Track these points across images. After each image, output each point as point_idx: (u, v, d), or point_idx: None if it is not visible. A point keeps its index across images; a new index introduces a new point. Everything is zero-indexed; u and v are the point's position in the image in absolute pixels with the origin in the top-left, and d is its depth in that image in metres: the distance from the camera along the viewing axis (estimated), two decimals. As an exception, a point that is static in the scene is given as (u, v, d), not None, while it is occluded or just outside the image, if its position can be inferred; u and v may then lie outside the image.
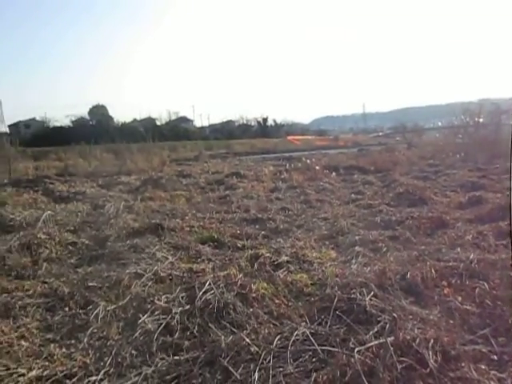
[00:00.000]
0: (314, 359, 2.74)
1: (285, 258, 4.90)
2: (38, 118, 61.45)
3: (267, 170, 16.18)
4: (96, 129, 48.08)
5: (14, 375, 2.64)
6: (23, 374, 2.65)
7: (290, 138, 54.60)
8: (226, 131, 71.58)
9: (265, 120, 75.56)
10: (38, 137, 48.88)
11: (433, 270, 3.93)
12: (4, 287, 4.16)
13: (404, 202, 8.16)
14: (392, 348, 2.54)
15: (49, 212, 6.70)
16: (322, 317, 3.31)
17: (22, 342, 3.05)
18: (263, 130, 72.52)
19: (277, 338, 2.98)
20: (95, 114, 58.41)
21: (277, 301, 3.76)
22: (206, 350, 2.99)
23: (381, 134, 62.61)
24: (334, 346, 2.81)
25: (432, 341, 2.61)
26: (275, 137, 60.54)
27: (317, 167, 14.86)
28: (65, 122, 58.49)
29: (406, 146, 26.30)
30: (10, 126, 56.32)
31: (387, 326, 2.87)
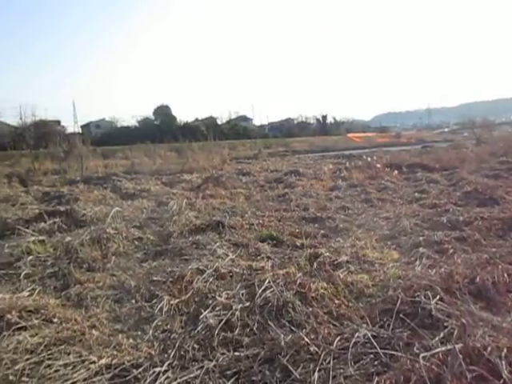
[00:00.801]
0: (375, 362, 2.68)
1: (345, 258, 4.82)
2: (107, 119, 64.80)
3: (326, 169, 15.97)
4: (160, 128, 49.92)
5: (86, 362, 2.80)
6: (94, 362, 2.81)
7: (350, 135, 53.63)
8: (285, 129, 71.57)
9: (324, 117, 74.72)
10: (107, 136, 51.58)
11: (505, 274, 3.70)
12: (77, 278, 4.44)
13: (473, 202, 7.73)
14: (461, 356, 2.42)
15: (117, 208, 7.03)
16: (384, 319, 3.22)
17: (93, 331, 3.22)
18: (322, 127, 71.74)
19: (337, 339, 2.95)
20: (159, 114, 60.56)
21: (336, 301, 3.71)
22: (265, 347, 3.02)
23: (446, 129, 59.87)
24: (397, 350, 2.72)
25: (505, 350, 2.46)
26: (335, 134, 59.73)
27: (378, 165, 14.44)
28: (131, 122, 61.26)
29: (474, 142, 24.92)
30: (82, 127, 59.96)
31: (455, 331, 2.74)
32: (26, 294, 4.03)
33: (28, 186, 15.29)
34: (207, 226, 6.47)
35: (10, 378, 2.59)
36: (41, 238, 5.99)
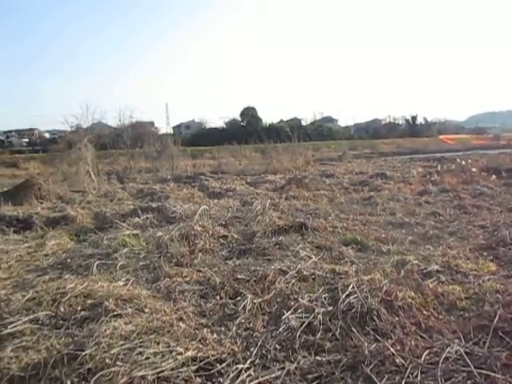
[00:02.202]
0: (468, 382, 2.50)
1: (435, 267, 4.56)
2: (196, 120, 67.60)
3: (415, 172, 15.27)
4: (246, 129, 51.01)
5: (174, 353, 2.93)
6: (181, 353, 2.93)
7: (442, 137, 50.81)
8: (372, 130, 69.52)
9: (414, 118, 71.32)
10: (196, 137, 53.83)
11: None
12: (167, 272, 4.67)
13: None
14: None
15: (204, 206, 7.29)
16: (479, 336, 3.00)
17: (180, 324, 3.37)
18: (412, 128, 68.56)
19: (425, 353, 2.80)
20: (246, 116, 61.87)
21: (425, 312, 3.52)
22: (348, 354, 2.95)
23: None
24: (494, 371, 2.52)
25: None
26: (425, 136, 56.84)
27: (473, 169, 13.49)
28: (219, 123, 63.30)
29: None
30: (173, 128, 63.17)
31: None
32: (121, 283, 4.33)
33: (124, 182, 16.46)
34: (290, 227, 6.48)
35: (107, 360, 2.79)
36: (135, 232, 6.42)
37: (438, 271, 4.49)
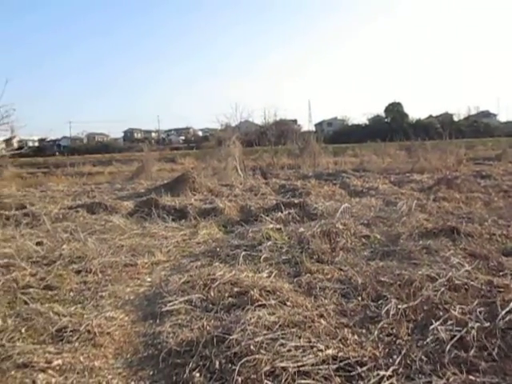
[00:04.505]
0: None
1: None
2: (339, 117, 67.05)
3: None
4: (390, 126, 48.92)
5: (314, 349, 2.95)
6: (321, 350, 2.94)
7: None
8: (541, 126, 60.70)
9: None
10: (338, 134, 53.50)
11: None
12: (308, 268, 4.74)
13: None
14: None
15: (346, 204, 7.21)
16: None
17: (321, 321, 3.38)
18: None
19: None
20: (390, 112, 59.36)
21: None
22: (507, 378, 2.63)
23: None
24: None
25: None
26: None
27: None
28: (362, 120, 61.87)
29: None
30: (315, 125, 63.66)
31: None
32: (264, 275, 4.53)
33: (268, 178, 17.13)
34: (440, 230, 6.03)
35: (251, 347, 2.94)
36: (278, 226, 6.64)
37: None
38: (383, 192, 11.23)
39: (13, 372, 2.89)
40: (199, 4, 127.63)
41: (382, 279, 4.27)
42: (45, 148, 58.83)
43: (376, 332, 3.27)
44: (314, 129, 57.88)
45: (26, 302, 4.16)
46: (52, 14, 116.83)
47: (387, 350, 3.05)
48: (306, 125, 60.87)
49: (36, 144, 61.14)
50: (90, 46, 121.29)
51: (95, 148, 57.58)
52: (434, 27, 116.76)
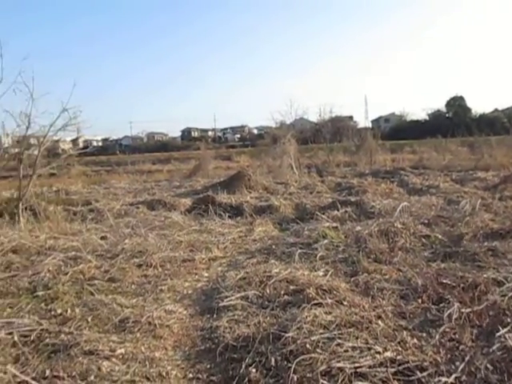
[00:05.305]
0: None
1: None
2: (396, 113, 64.99)
3: None
4: (452, 121, 46.75)
5: (372, 350, 2.89)
6: (379, 352, 2.87)
7: None
8: None
9: None
10: (395, 130, 51.86)
11: None
12: (365, 267, 4.64)
13: None
14: None
15: (404, 203, 6.99)
16: None
17: (379, 322, 3.30)
18: None
19: None
20: (452, 106, 56.69)
21: None
22: None
23: None
24: None
25: None
26: None
27: None
28: (421, 115, 59.59)
29: None
30: (372, 121, 62.15)
31: None
32: (320, 273, 4.50)
33: (323, 176, 16.97)
34: (507, 232, 5.70)
35: (307, 346, 2.93)
36: (334, 224, 6.56)
37: None
38: (444, 190, 10.78)
39: (80, 358, 3.05)
40: (254, 4, 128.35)
41: (444, 281, 4.10)
42: (108, 147, 61.60)
43: (437, 336, 3.15)
44: (370, 125, 56.53)
45: (91, 293, 4.38)
46: (117, 15, 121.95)
47: (449, 355, 2.93)
48: (363, 121, 59.64)
49: (100, 143, 64.37)
50: (150, 47, 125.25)
51: (154, 147, 59.53)
52: (497, 17, 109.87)
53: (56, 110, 8.26)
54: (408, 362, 2.81)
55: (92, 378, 2.84)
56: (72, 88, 8.84)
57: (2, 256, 5.59)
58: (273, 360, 2.92)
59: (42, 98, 8.12)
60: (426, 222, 6.50)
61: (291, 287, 4.12)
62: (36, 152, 8.70)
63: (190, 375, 3.03)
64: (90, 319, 3.73)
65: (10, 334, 3.40)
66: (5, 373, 2.86)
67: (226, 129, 79.22)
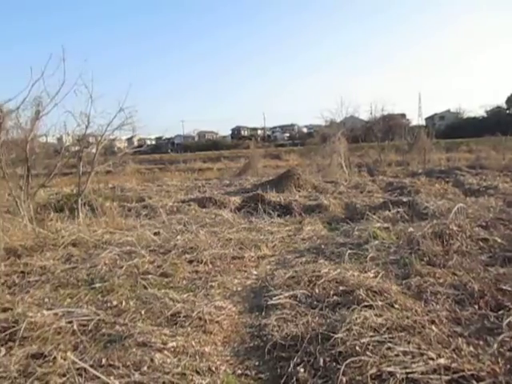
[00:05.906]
0: None
1: None
2: (452, 110, 62.46)
3: None
4: (513, 118, 44.28)
5: (425, 356, 2.80)
6: (432, 358, 2.78)
7: None
8: None
9: None
10: (451, 128, 49.87)
11: None
12: (418, 270, 4.49)
13: None
14: None
15: (460, 204, 6.70)
16: None
17: (433, 327, 3.19)
18: None
19: None
20: (514, 102, 53.69)
21: None
22: None
23: None
24: None
25: None
26: None
27: None
28: (479, 112, 56.93)
29: None
30: (426, 119, 60.08)
31: None
32: (371, 275, 4.41)
33: (374, 175, 16.62)
34: None
35: (357, 348, 2.89)
36: (385, 225, 6.41)
37: None
38: (504, 191, 10.25)
39: (134, 349, 3.17)
40: (306, 4, 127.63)
41: (504, 287, 3.90)
42: (161, 146, 63.44)
43: (496, 345, 3.00)
44: (424, 123, 54.68)
45: (145, 287, 4.54)
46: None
47: (509, 366, 2.78)
48: (416, 119, 57.79)
49: (153, 142, 66.34)
50: (198, 46, 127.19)
51: (205, 145, 60.59)
52: None
53: (113, 109, 8.59)
54: (463, 370, 2.70)
55: (145, 368, 2.94)
56: (128, 88, 9.15)
57: (63, 249, 5.92)
58: (321, 360, 2.90)
59: (100, 98, 8.47)
60: (484, 224, 6.20)
61: (341, 288, 4.07)
62: (94, 150, 9.11)
63: (239, 371, 3.07)
64: (143, 312, 3.87)
65: (70, 322, 3.58)
66: (65, 359, 3.02)
67: (275, 127, 79.30)
